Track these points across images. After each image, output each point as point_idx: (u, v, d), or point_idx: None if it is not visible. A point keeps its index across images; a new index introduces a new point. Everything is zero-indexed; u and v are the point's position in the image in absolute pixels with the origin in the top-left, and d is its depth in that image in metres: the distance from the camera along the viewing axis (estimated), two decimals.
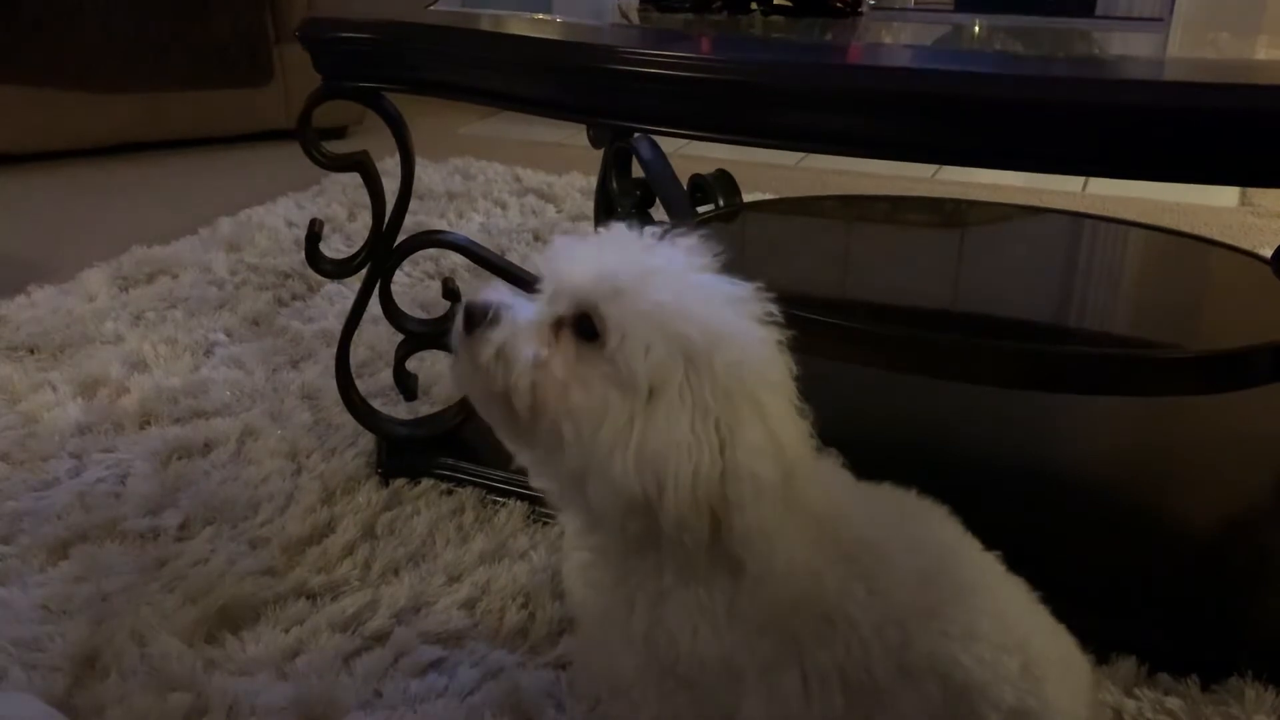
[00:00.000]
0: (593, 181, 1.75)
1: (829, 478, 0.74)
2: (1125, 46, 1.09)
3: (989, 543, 0.77)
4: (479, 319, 0.68)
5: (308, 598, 1.12)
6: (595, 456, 0.64)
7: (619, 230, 0.71)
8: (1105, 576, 1.12)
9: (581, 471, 0.65)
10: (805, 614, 0.70)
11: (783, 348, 0.68)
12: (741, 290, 0.69)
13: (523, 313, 0.68)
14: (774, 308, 0.69)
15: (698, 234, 0.71)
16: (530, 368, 0.66)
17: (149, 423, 1.47)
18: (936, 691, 0.70)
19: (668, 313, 0.64)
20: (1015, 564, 0.78)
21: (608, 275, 0.66)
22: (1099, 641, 0.82)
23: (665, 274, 0.67)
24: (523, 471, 1.29)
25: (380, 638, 1.06)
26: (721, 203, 1.56)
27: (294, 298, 1.90)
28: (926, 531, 0.75)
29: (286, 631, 1.07)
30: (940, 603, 0.71)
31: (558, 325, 0.68)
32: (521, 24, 1.15)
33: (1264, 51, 1.16)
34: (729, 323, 0.66)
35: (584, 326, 0.66)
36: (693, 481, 0.63)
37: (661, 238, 0.70)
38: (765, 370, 0.66)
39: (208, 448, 1.40)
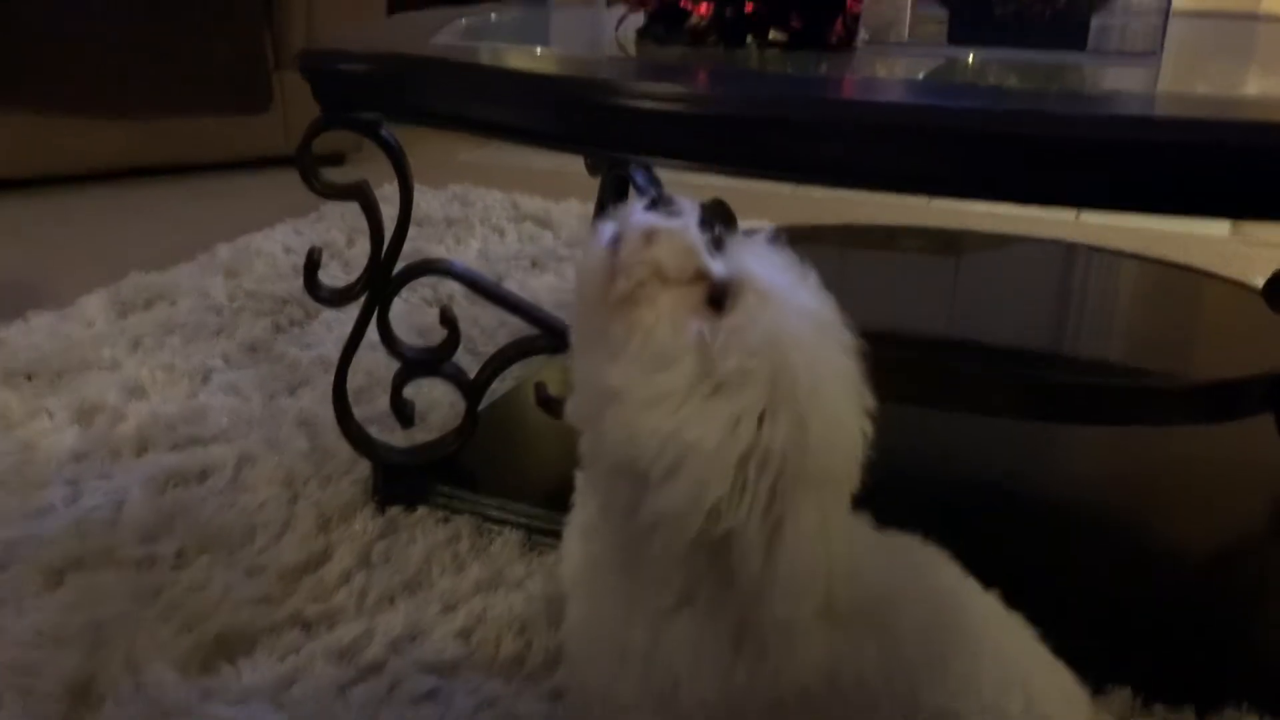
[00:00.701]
0: (590, 208, 1.76)
1: (860, 542, 0.71)
2: (1117, 80, 1.10)
3: (982, 573, 0.78)
4: (666, 204, 0.65)
5: (303, 626, 1.12)
6: (636, 392, 0.61)
7: (812, 275, 0.67)
8: (1100, 605, 1.12)
9: (615, 394, 0.62)
10: (815, 674, 0.69)
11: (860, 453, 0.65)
12: (862, 385, 0.65)
13: (697, 232, 0.65)
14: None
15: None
16: (654, 264, 0.63)
17: (146, 449, 1.47)
18: None
19: (799, 348, 0.61)
20: (1008, 593, 0.78)
21: (776, 280, 0.64)
22: (1094, 671, 0.82)
23: (821, 322, 0.64)
24: (518, 499, 1.30)
25: (376, 667, 1.06)
26: (717, 231, 1.57)
27: (292, 324, 1.90)
28: (933, 581, 0.75)
29: (282, 660, 1.06)
30: (945, 653, 0.71)
31: (703, 276, 0.64)
32: (520, 57, 1.16)
33: (1255, 86, 1.18)
34: (844, 400, 0.63)
35: (718, 294, 0.63)
36: (702, 496, 0.61)
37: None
38: (845, 462, 0.63)
39: (204, 475, 1.40)
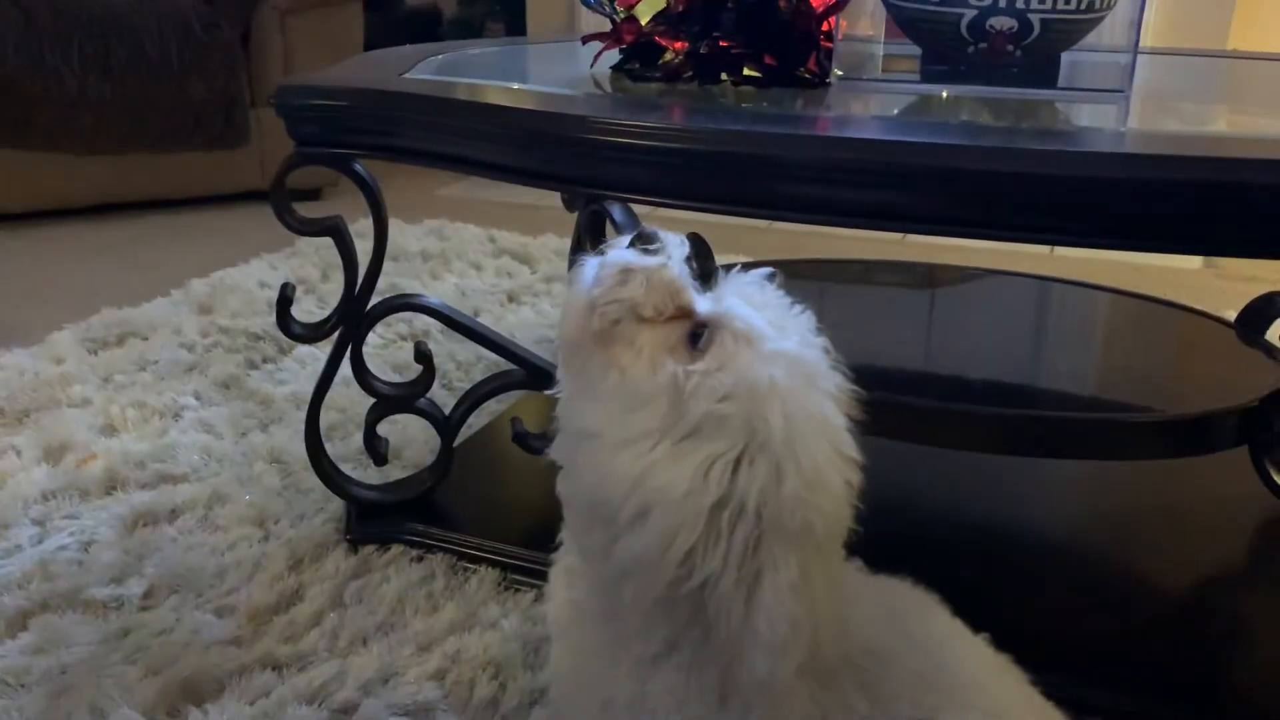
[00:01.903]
0: (568, 243, 1.76)
1: (849, 589, 0.70)
2: (1087, 117, 1.11)
3: (959, 609, 0.77)
4: (648, 241, 0.65)
5: (274, 669, 1.10)
6: (608, 432, 0.61)
7: (806, 315, 0.66)
8: (1079, 641, 1.11)
9: (589, 433, 0.61)
10: None
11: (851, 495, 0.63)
12: (848, 439, 0.64)
13: (681, 269, 0.64)
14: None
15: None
16: (634, 302, 0.62)
17: (115, 488, 1.45)
18: None
19: (778, 396, 0.60)
20: (982, 626, 0.77)
21: (757, 324, 0.62)
22: (1073, 706, 0.82)
23: (810, 370, 0.63)
24: (493, 537, 1.28)
25: (348, 710, 1.04)
26: (694, 266, 1.57)
27: (265, 360, 1.89)
28: (923, 628, 0.74)
29: (252, 704, 1.04)
30: (937, 708, 0.69)
31: (684, 313, 0.64)
32: (496, 93, 1.16)
33: (1222, 124, 1.19)
34: (825, 452, 0.61)
35: (698, 334, 0.63)
36: (670, 547, 0.59)
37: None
38: (832, 513, 0.61)
39: (174, 514, 1.38)
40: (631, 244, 0.66)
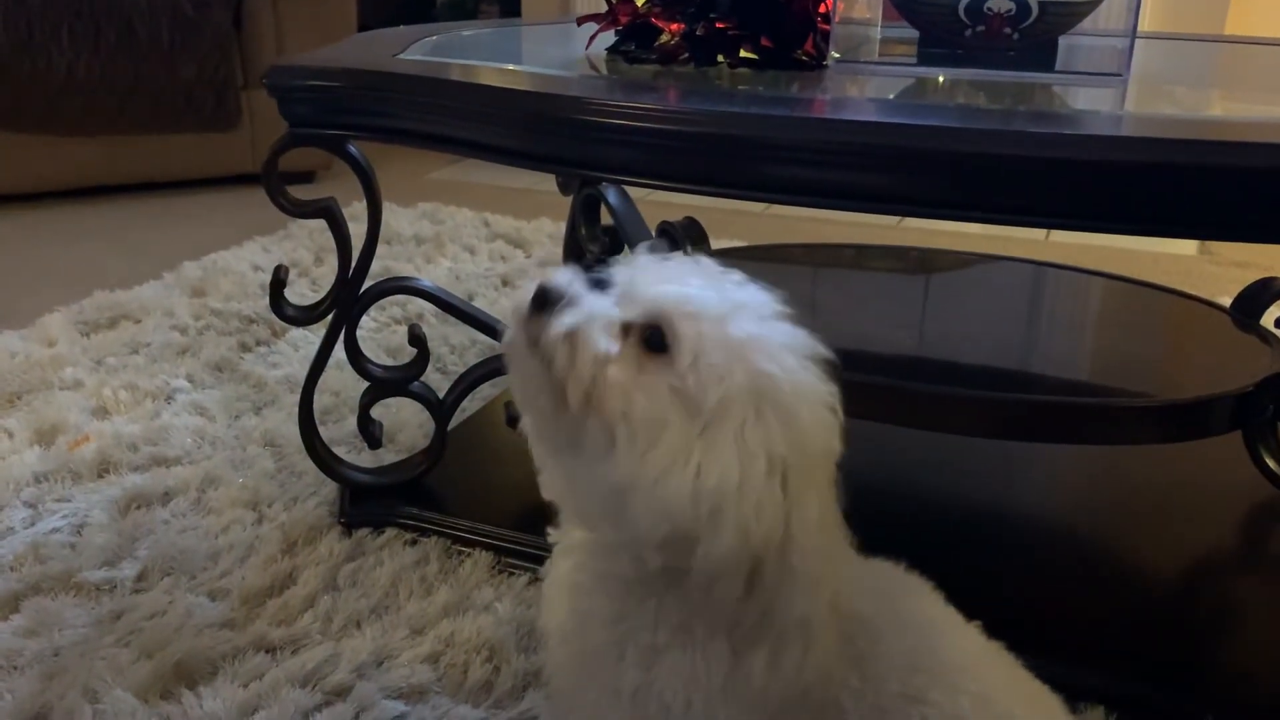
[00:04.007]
0: (562, 227, 1.76)
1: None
2: (1084, 101, 1.11)
3: (952, 593, 0.77)
4: (553, 300, 0.63)
5: (267, 651, 1.10)
6: (646, 472, 0.60)
7: (706, 263, 0.68)
8: (1071, 625, 1.12)
9: (627, 485, 0.61)
10: (801, 705, 0.68)
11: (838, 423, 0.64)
12: (816, 349, 0.65)
13: (596, 303, 0.64)
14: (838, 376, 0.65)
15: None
16: (596, 360, 0.62)
17: (107, 471, 1.44)
18: None
19: (751, 348, 0.62)
20: (977, 612, 0.77)
21: (690, 293, 0.63)
22: (1066, 691, 0.82)
23: (753, 311, 0.64)
24: (487, 520, 1.28)
25: (341, 692, 1.04)
26: (689, 250, 1.57)
27: (258, 343, 1.88)
28: (915, 610, 0.74)
29: (245, 686, 1.04)
30: (926, 687, 0.70)
31: (626, 329, 0.64)
32: (490, 74, 1.16)
33: (1220, 106, 1.19)
34: (809, 381, 0.63)
35: (653, 338, 0.63)
36: (754, 529, 0.60)
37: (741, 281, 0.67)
38: (830, 440, 0.63)
39: (167, 496, 1.38)
40: (535, 305, 0.64)
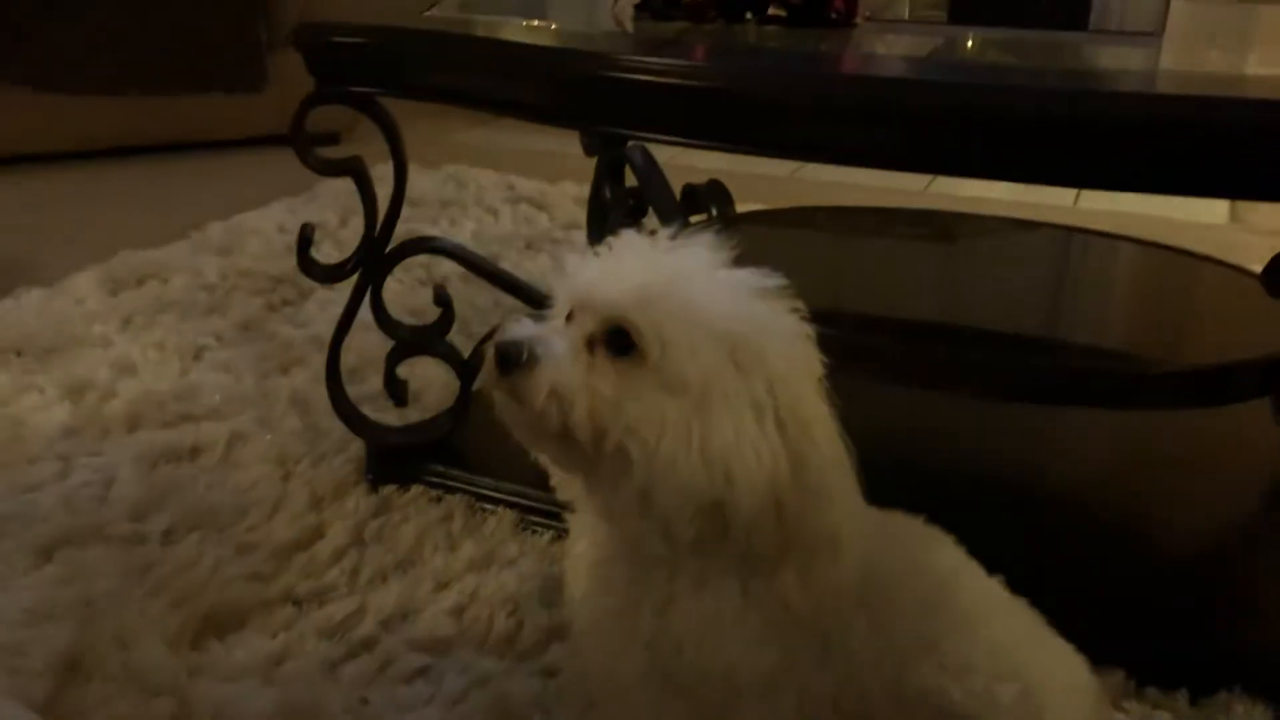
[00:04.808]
0: (586, 190, 1.75)
1: None
2: (1118, 60, 1.09)
3: (976, 554, 0.77)
4: (515, 360, 0.65)
5: (294, 604, 1.11)
6: (661, 465, 0.63)
7: (632, 238, 0.69)
8: (1093, 589, 1.12)
9: (648, 484, 0.63)
10: (808, 635, 0.69)
11: (811, 341, 0.67)
12: (771, 282, 0.67)
13: (556, 343, 0.65)
14: (800, 301, 0.67)
15: (712, 231, 0.69)
16: (584, 400, 0.64)
17: (136, 426, 1.46)
18: None
19: (705, 313, 0.63)
20: (1002, 574, 0.77)
21: (634, 285, 0.64)
22: (1087, 654, 0.82)
23: (692, 274, 0.65)
24: (512, 479, 1.29)
25: (367, 645, 1.06)
26: (714, 212, 1.57)
27: (285, 303, 1.89)
28: (931, 559, 0.75)
29: (273, 637, 1.06)
30: (939, 635, 0.70)
31: (590, 344, 0.65)
32: (517, 30, 1.15)
33: (1255, 67, 1.17)
34: (768, 316, 0.65)
35: (617, 341, 0.64)
36: (761, 474, 0.62)
37: (675, 237, 0.69)
38: (808, 364, 0.66)
39: (195, 452, 1.39)
40: (502, 367, 0.66)
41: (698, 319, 0.63)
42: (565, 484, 0.75)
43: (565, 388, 0.64)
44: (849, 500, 0.66)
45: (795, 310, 0.67)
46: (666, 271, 0.65)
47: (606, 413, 0.64)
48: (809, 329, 0.67)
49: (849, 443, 0.68)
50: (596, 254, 0.69)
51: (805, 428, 0.63)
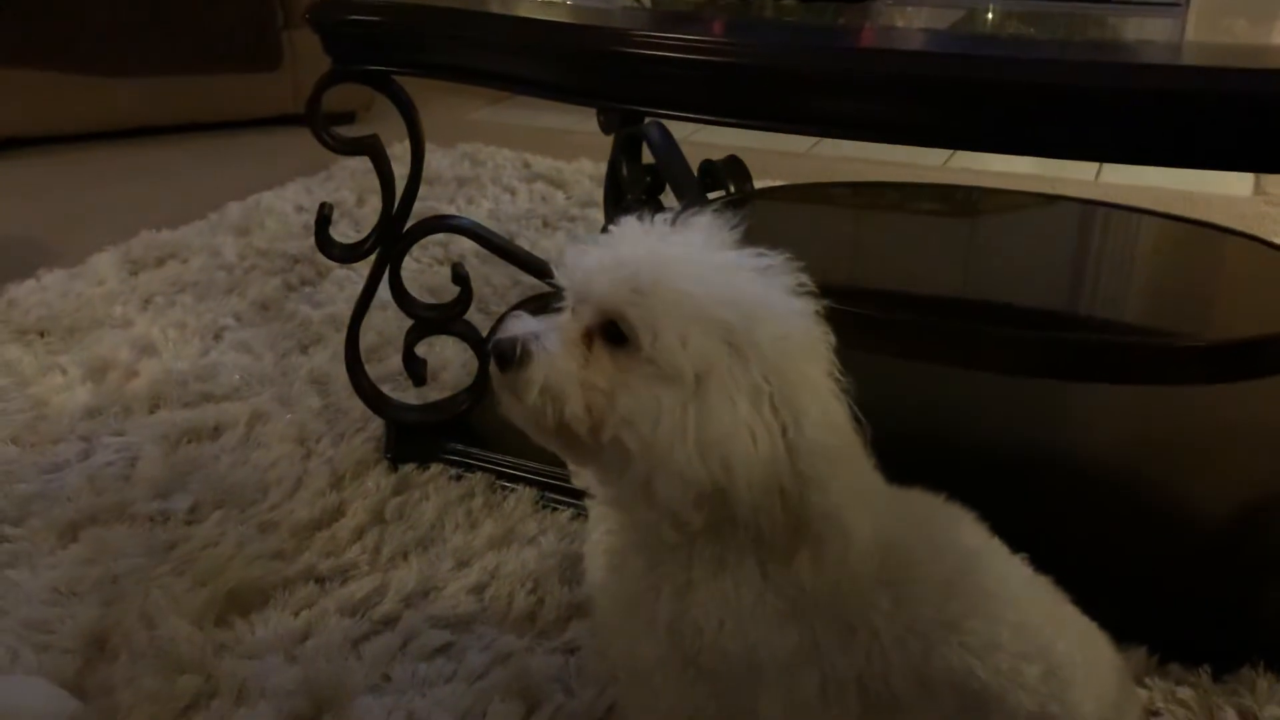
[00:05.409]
0: (602, 168, 1.75)
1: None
2: (1142, 31, 1.08)
3: (1001, 531, 0.77)
4: (510, 358, 0.66)
5: (316, 581, 1.12)
6: (658, 455, 0.63)
7: (628, 225, 0.69)
8: (1116, 565, 1.11)
9: (648, 473, 0.64)
10: (829, 616, 0.69)
11: (818, 318, 0.67)
12: (769, 261, 0.67)
13: (550, 339, 0.66)
14: (805, 276, 0.67)
15: (709, 212, 0.69)
16: (580, 393, 0.65)
17: (158, 406, 1.47)
18: (952, 701, 0.70)
19: (696, 300, 0.63)
20: (1025, 551, 0.77)
21: (625, 276, 0.65)
22: (1111, 631, 0.82)
23: (684, 261, 0.65)
24: (531, 457, 1.29)
25: (389, 622, 1.07)
26: (732, 189, 1.56)
27: (303, 283, 1.90)
28: (953, 538, 0.74)
29: (295, 615, 1.07)
30: (962, 614, 0.70)
31: (588, 336, 0.66)
32: (533, 6, 1.14)
33: None
34: (762, 298, 0.65)
35: (613, 332, 0.65)
36: (758, 461, 0.62)
37: (673, 222, 0.68)
38: (808, 343, 0.65)
39: (217, 432, 1.40)
40: (500, 364, 0.67)
41: (690, 307, 0.63)
42: (580, 472, 0.75)
43: (557, 384, 0.65)
44: (849, 485, 0.65)
45: (801, 287, 0.66)
46: (659, 260, 0.65)
47: (602, 405, 0.64)
48: (815, 305, 0.66)
49: (862, 420, 0.67)
50: (596, 243, 0.69)
51: (797, 414, 0.63)
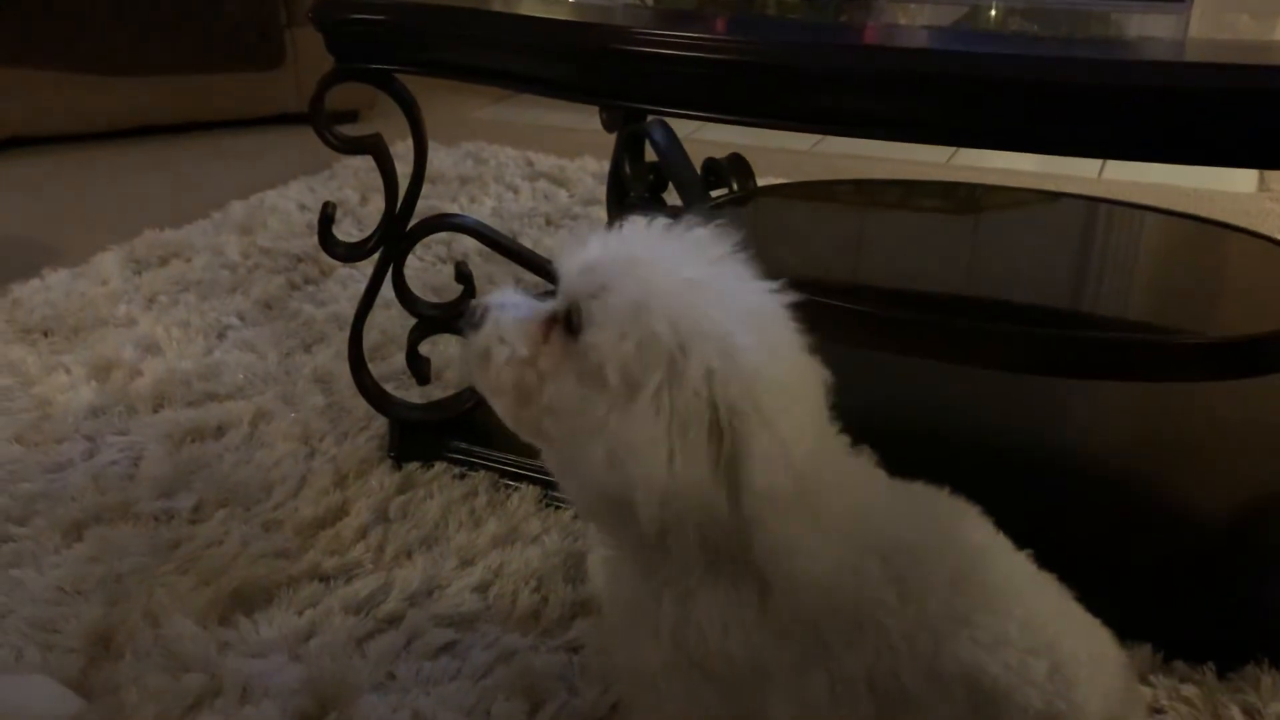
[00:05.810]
0: (605, 166, 1.75)
1: (862, 477, 0.72)
2: (1145, 27, 1.08)
3: (1003, 528, 0.77)
4: (471, 320, 0.69)
5: (321, 580, 1.12)
6: (573, 451, 0.64)
7: (631, 222, 0.69)
8: (1121, 562, 1.11)
9: (561, 469, 0.66)
10: (836, 619, 0.69)
11: (804, 344, 0.66)
12: (753, 285, 0.66)
13: (513, 312, 0.68)
14: (792, 299, 0.66)
15: (713, 222, 0.68)
16: (508, 365, 0.66)
17: (162, 405, 1.47)
18: (963, 697, 0.70)
19: (643, 309, 0.62)
20: (1028, 547, 0.77)
21: (596, 269, 0.65)
22: (1114, 628, 0.82)
23: (652, 267, 0.64)
24: (535, 455, 1.29)
25: (393, 620, 1.07)
26: (735, 187, 1.56)
27: (306, 281, 1.90)
28: (959, 533, 0.74)
29: (300, 614, 1.07)
30: (971, 609, 0.70)
31: (554, 322, 0.67)
32: (536, 5, 1.15)
33: None
34: (726, 327, 0.63)
35: (573, 322, 0.65)
36: (676, 483, 0.61)
37: (672, 228, 0.68)
38: (765, 373, 0.62)
39: (221, 431, 1.41)
40: (469, 325, 0.70)
41: (633, 314, 0.62)
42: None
43: (493, 349, 0.67)
44: (798, 530, 0.63)
45: (785, 311, 0.66)
46: (636, 264, 0.65)
47: (532, 385, 0.66)
48: (787, 310, 0.66)
49: (844, 421, 0.67)
50: (589, 234, 0.69)
51: (740, 451, 0.61)
